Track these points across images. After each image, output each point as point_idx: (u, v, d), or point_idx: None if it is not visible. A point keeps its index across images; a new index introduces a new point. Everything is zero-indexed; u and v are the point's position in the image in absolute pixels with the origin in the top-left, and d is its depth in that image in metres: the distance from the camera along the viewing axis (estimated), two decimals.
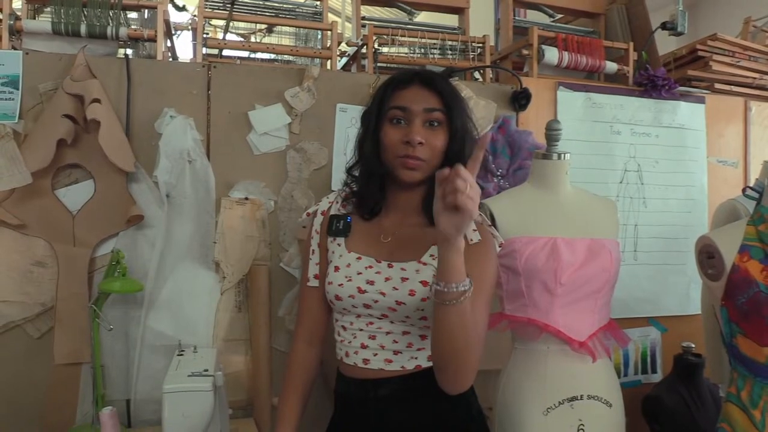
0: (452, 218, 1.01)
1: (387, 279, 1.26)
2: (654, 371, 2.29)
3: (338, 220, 1.36)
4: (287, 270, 1.83)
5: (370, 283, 1.26)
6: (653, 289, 2.27)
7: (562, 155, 1.63)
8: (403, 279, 1.25)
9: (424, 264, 1.26)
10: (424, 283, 1.23)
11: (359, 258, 1.31)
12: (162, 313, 1.71)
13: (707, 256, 1.47)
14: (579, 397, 1.54)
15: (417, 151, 1.24)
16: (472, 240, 1.26)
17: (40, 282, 1.64)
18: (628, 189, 2.24)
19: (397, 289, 1.24)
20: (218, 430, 1.48)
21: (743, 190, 1.76)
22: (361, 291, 1.26)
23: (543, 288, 1.53)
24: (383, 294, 1.25)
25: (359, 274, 1.28)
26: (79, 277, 1.65)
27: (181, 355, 1.58)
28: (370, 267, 1.29)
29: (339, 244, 1.34)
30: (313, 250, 1.39)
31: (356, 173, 1.38)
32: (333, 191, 1.44)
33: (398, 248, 1.31)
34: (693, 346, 2.07)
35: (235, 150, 1.81)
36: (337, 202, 1.40)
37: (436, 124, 1.27)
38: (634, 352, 2.25)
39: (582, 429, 1.53)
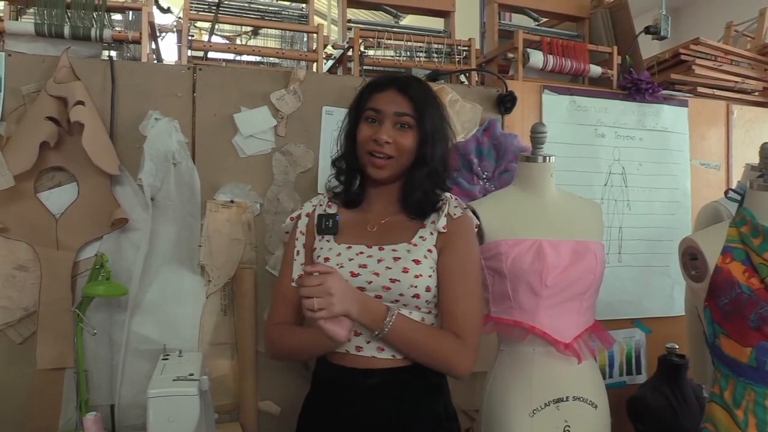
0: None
1: (379, 261, 1.35)
2: (639, 372, 2.30)
3: (327, 219, 1.44)
4: (273, 273, 1.82)
5: (363, 266, 1.35)
6: (638, 291, 2.29)
7: (547, 158, 1.64)
8: (396, 258, 1.35)
9: (415, 245, 1.37)
10: (416, 261, 1.34)
11: (349, 247, 1.39)
12: (147, 317, 1.70)
13: (690, 257, 1.48)
14: (565, 399, 1.55)
15: (384, 149, 1.37)
16: (455, 215, 1.42)
17: (22, 286, 1.62)
18: (613, 191, 2.26)
19: (390, 269, 1.33)
20: None
21: (725, 193, 1.78)
22: (354, 275, 1.33)
23: (528, 290, 1.53)
24: (377, 274, 1.33)
25: (350, 260, 1.36)
26: (63, 281, 1.63)
27: (166, 359, 1.56)
28: (361, 253, 1.37)
29: (328, 240, 1.42)
30: (297, 251, 1.46)
31: (340, 165, 1.49)
32: (319, 194, 1.53)
33: (386, 235, 1.41)
34: (677, 347, 2.09)
35: (220, 153, 1.80)
36: (322, 204, 1.49)
37: (405, 126, 1.39)
38: (619, 354, 2.27)
39: (568, 430, 1.54)
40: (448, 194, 1.46)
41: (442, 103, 1.48)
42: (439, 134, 1.42)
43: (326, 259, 1.37)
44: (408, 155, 1.39)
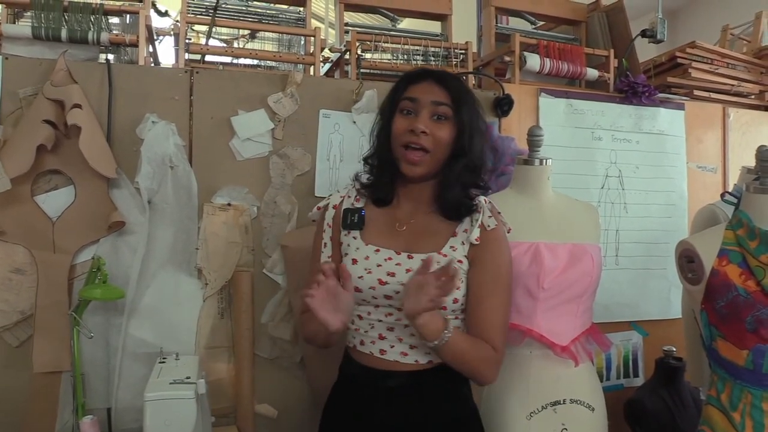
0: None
1: (408, 270, 1.30)
2: (636, 375, 2.30)
3: (352, 213, 1.39)
4: (270, 276, 1.83)
5: (391, 275, 1.30)
6: (635, 294, 2.29)
7: (544, 161, 1.65)
8: None
9: (445, 255, 1.31)
10: None
11: (377, 250, 1.34)
12: (143, 321, 1.70)
13: (687, 260, 1.48)
14: (562, 402, 1.54)
15: (421, 140, 1.30)
16: (489, 226, 1.35)
17: (19, 289, 1.62)
18: (610, 194, 2.26)
19: None
20: None
21: (722, 195, 1.79)
22: (382, 283, 1.29)
23: (526, 293, 1.53)
24: (404, 285, 1.28)
25: (379, 266, 1.31)
26: (59, 285, 1.63)
27: (163, 362, 1.57)
28: (390, 259, 1.32)
29: (354, 237, 1.37)
30: (325, 243, 1.42)
31: (372, 163, 1.43)
32: (348, 184, 1.48)
33: (416, 238, 1.36)
34: (674, 349, 2.09)
35: (217, 156, 1.80)
36: (350, 196, 1.44)
37: (443, 118, 1.33)
38: (616, 357, 2.27)
39: None
40: (482, 199, 1.40)
41: (477, 100, 1.41)
42: (476, 128, 1.36)
43: (354, 261, 1.33)
44: (444, 149, 1.33)
